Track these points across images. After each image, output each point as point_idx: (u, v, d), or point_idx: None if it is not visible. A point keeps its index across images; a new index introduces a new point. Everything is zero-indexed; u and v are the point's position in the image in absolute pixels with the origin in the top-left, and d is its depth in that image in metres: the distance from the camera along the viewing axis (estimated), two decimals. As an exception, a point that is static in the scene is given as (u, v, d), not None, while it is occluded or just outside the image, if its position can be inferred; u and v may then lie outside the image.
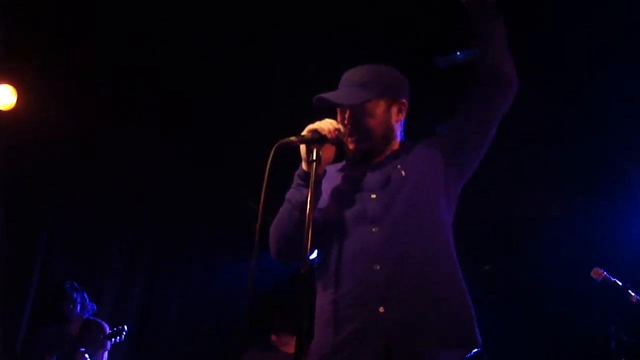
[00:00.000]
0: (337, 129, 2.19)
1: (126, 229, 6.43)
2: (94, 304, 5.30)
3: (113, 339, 4.96)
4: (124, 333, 4.96)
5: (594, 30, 4.43)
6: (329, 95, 2.28)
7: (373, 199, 2.26)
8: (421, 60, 4.95)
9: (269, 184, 2.07)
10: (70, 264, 5.91)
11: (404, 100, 2.41)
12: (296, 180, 2.25)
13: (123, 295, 6.35)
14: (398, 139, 2.42)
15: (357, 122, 2.32)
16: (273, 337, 5.53)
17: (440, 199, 2.29)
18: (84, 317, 5.17)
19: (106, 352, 5.05)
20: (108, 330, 5.11)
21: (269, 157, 2.05)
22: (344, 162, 2.45)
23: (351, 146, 2.35)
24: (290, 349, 5.50)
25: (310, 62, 4.82)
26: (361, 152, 2.36)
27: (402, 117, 2.41)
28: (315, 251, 2.44)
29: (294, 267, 2.26)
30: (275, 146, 2.07)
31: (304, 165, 2.21)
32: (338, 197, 2.32)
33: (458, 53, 4.90)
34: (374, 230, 2.20)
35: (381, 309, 2.10)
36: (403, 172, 2.28)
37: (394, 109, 2.38)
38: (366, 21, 4.67)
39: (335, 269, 2.21)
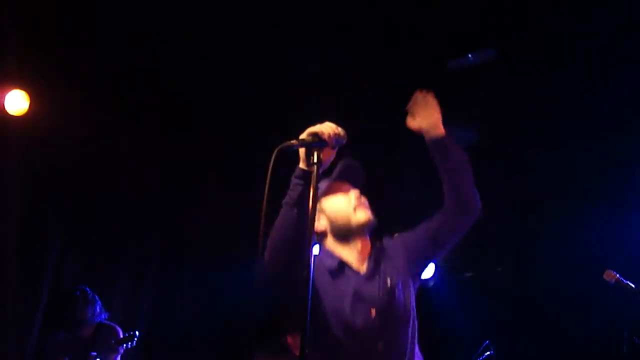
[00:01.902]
0: (337, 133, 2.21)
1: (135, 233, 6.45)
2: (107, 312, 5.28)
3: (125, 345, 4.95)
4: (136, 338, 4.95)
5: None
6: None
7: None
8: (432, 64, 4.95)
9: (271, 188, 2.06)
10: (81, 269, 5.94)
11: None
12: (293, 181, 2.27)
13: (132, 300, 6.37)
14: None
15: None
16: (288, 339, 5.52)
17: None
18: (97, 322, 5.14)
19: (119, 357, 5.04)
20: (121, 334, 5.10)
21: (270, 161, 2.05)
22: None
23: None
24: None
25: (310, 63, 4.82)
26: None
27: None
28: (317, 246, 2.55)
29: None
30: (276, 150, 2.07)
31: (301, 165, 2.23)
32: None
33: (470, 56, 4.90)
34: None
35: None
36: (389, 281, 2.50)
37: None
38: (367, 22, 4.67)
39: None
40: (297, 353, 5.54)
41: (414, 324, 2.49)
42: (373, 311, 2.40)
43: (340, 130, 2.22)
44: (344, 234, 2.55)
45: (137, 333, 4.96)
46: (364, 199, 2.59)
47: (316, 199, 2.05)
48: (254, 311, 6.82)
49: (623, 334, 4.14)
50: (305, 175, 2.19)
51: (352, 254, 2.53)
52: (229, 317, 6.78)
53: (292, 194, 2.25)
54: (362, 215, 2.54)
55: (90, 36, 4.84)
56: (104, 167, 5.82)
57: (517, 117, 5.36)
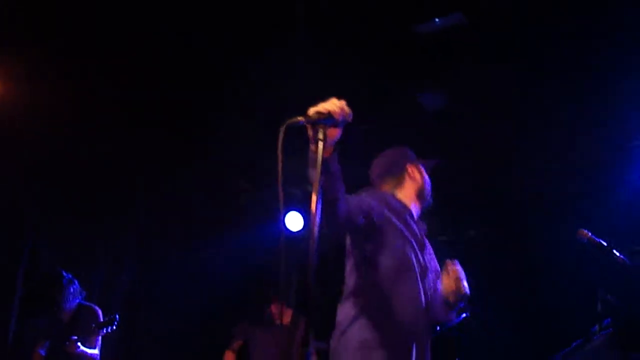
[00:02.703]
0: (344, 111, 2.20)
1: (112, 213, 6.41)
2: (83, 290, 5.26)
3: (105, 329, 4.94)
4: (116, 322, 4.94)
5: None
6: None
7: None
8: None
9: (282, 164, 2.11)
10: (57, 253, 5.89)
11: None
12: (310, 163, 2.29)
13: (111, 280, 6.35)
14: None
15: None
16: (272, 309, 5.54)
17: None
18: (77, 303, 5.14)
19: (99, 338, 5.04)
20: (101, 315, 5.11)
21: (278, 138, 2.09)
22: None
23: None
24: (287, 319, 5.53)
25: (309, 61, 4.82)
26: None
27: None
28: None
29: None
30: (284, 126, 2.10)
31: (312, 147, 2.24)
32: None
33: (437, 20, 4.86)
34: None
35: None
36: None
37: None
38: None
39: None
40: (281, 322, 5.59)
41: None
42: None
43: (346, 107, 2.22)
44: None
45: (117, 316, 4.95)
46: None
47: (319, 175, 2.06)
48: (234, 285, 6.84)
49: (597, 292, 4.19)
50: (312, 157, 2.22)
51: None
52: (210, 292, 6.77)
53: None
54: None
55: (82, 29, 4.81)
56: (78, 152, 5.82)
57: (486, 80, 5.36)
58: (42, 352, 4.97)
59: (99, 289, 6.15)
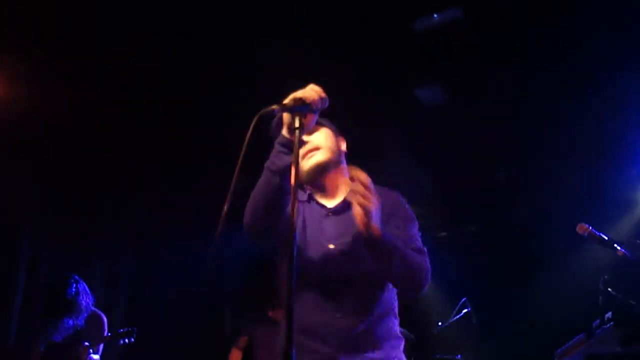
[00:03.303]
0: (321, 97, 2.15)
1: (111, 207, 6.40)
2: (94, 294, 5.20)
3: (123, 340, 4.87)
4: (134, 335, 4.88)
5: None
6: None
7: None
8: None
9: (247, 153, 2.02)
10: (57, 252, 5.88)
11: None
12: (277, 147, 2.21)
13: (112, 281, 6.34)
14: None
15: None
16: (270, 314, 5.53)
17: None
18: (91, 310, 5.07)
19: (102, 345, 4.99)
20: (104, 319, 5.06)
21: (250, 126, 2.01)
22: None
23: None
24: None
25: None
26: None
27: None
28: None
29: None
30: (257, 115, 2.03)
31: (284, 132, 2.18)
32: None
33: (435, 15, 4.85)
34: None
35: None
36: None
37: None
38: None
39: None
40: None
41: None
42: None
43: (322, 92, 2.16)
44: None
45: (135, 330, 4.89)
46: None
47: (298, 166, 1.99)
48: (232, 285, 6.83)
49: (598, 286, 4.19)
50: (289, 144, 2.14)
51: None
52: (211, 290, 6.77)
53: (276, 161, 2.19)
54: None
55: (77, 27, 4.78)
56: (77, 152, 5.79)
57: (484, 76, 5.36)
58: (42, 348, 4.89)
59: (98, 289, 6.15)
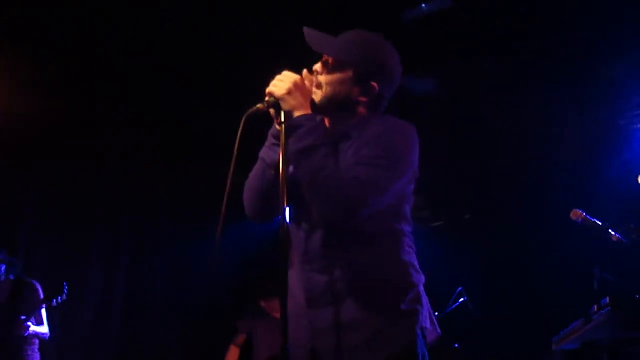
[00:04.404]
0: (292, 82, 2.10)
1: (105, 207, 6.38)
2: (19, 260, 4.84)
3: (55, 300, 4.49)
4: (65, 290, 4.49)
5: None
6: (310, 37, 2.20)
7: None
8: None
9: (239, 154, 2.04)
10: (51, 256, 5.83)
11: (373, 84, 2.24)
12: (270, 139, 2.22)
13: (108, 277, 6.32)
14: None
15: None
16: (262, 303, 5.52)
17: None
18: (11, 278, 4.68)
19: (43, 309, 4.65)
20: (39, 288, 4.70)
21: (239, 128, 2.02)
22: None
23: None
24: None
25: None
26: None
27: (364, 99, 2.24)
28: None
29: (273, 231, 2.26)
30: (244, 116, 2.04)
31: (276, 124, 2.17)
32: None
33: (423, 5, 4.83)
34: None
35: None
36: None
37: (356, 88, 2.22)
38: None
39: None
40: (275, 315, 5.57)
41: None
42: None
43: (292, 77, 2.11)
44: None
45: (65, 284, 4.50)
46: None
47: (286, 157, 1.99)
48: (227, 280, 6.81)
49: (593, 271, 4.20)
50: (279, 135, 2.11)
51: None
52: (209, 288, 6.75)
53: (269, 153, 2.20)
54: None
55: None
56: (74, 154, 5.81)
57: (477, 65, 5.36)
58: None
59: (96, 292, 6.13)
